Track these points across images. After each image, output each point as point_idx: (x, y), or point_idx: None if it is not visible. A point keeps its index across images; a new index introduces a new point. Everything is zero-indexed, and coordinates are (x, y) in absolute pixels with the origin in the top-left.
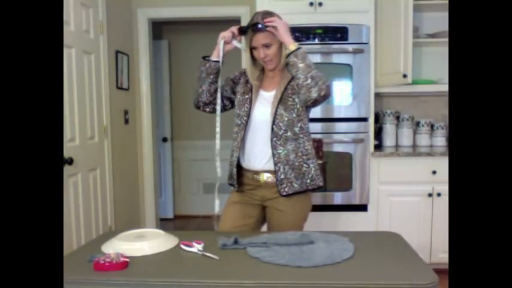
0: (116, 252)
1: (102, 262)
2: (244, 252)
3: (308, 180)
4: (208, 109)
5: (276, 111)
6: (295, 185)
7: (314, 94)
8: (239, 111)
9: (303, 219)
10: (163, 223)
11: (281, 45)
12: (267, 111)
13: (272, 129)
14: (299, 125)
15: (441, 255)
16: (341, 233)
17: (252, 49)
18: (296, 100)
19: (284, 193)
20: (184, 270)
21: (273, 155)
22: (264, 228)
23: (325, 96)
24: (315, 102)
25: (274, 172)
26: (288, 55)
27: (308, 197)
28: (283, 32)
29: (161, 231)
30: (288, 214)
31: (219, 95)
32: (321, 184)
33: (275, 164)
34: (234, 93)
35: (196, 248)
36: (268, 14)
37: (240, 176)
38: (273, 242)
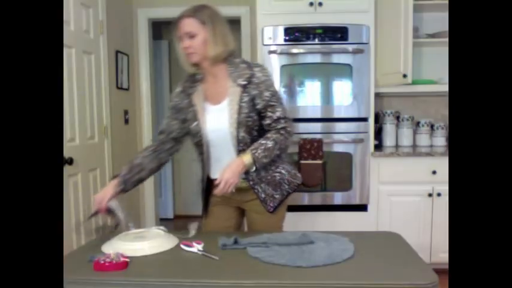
0: (116, 252)
1: (102, 262)
2: (244, 252)
3: (286, 186)
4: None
5: (238, 134)
6: (277, 196)
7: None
8: (195, 139)
9: (282, 219)
10: (163, 223)
11: (212, 36)
12: (222, 127)
13: (237, 153)
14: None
15: (441, 255)
16: (341, 233)
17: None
18: (254, 117)
19: (271, 209)
20: (184, 270)
21: (247, 179)
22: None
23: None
24: None
25: (243, 178)
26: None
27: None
28: (234, 176)
29: (161, 232)
30: (267, 215)
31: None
32: (299, 182)
33: (252, 187)
34: (183, 122)
35: (196, 248)
36: (201, 6)
37: (211, 189)
38: (273, 242)
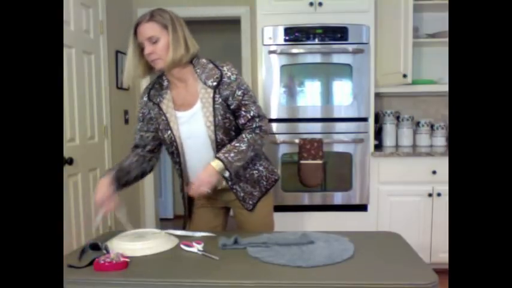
0: (116, 252)
1: (102, 262)
2: (244, 252)
3: (264, 183)
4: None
5: (216, 137)
6: (255, 193)
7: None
8: (170, 149)
9: (269, 214)
10: (163, 223)
11: (175, 39)
12: (197, 132)
13: (214, 154)
14: None
15: (441, 255)
16: (341, 233)
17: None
18: (230, 118)
19: (250, 207)
20: (184, 270)
21: (226, 180)
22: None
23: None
24: None
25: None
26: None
27: (268, 192)
28: (205, 181)
29: (161, 231)
30: (254, 213)
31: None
32: (277, 177)
33: (231, 188)
34: (156, 132)
35: (196, 248)
36: (160, 10)
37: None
38: (273, 242)
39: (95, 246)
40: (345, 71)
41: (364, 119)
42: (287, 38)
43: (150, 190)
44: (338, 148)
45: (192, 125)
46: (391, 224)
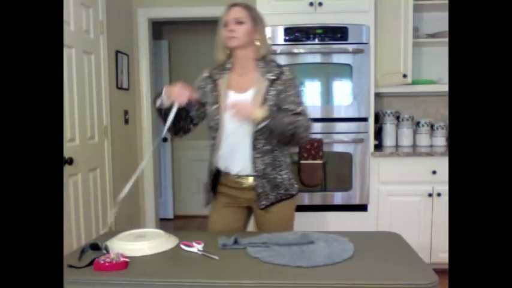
0: (116, 252)
1: (102, 262)
2: (244, 252)
3: (282, 191)
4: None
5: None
6: (271, 197)
7: (293, 144)
8: (212, 123)
9: (290, 219)
10: (163, 223)
11: (254, 31)
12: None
13: (253, 142)
14: None
15: (441, 255)
16: (341, 233)
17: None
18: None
19: (262, 206)
20: (184, 270)
21: (253, 169)
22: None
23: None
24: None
25: (251, 175)
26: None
27: (291, 198)
28: (245, 110)
29: (161, 231)
30: (275, 215)
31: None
32: (294, 193)
33: (254, 179)
34: (202, 105)
35: (196, 248)
36: (253, 7)
37: (220, 179)
38: (273, 242)
39: (95, 246)
40: (345, 71)
41: (364, 119)
42: (287, 38)
43: (150, 190)
44: (338, 148)
45: None
46: (391, 224)
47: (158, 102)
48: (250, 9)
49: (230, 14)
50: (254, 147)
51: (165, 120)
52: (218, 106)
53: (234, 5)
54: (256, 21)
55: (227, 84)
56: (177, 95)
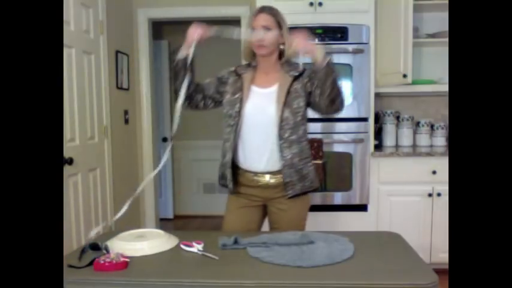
0: (116, 252)
1: (102, 262)
2: (244, 252)
3: (308, 183)
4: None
5: (282, 114)
6: (297, 187)
7: (337, 105)
8: (230, 111)
9: (303, 218)
10: (163, 223)
11: (280, 36)
12: (267, 109)
13: (279, 132)
14: (303, 128)
15: (441, 255)
16: (341, 233)
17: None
18: (301, 104)
19: (290, 195)
20: (184, 270)
21: (280, 158)
22: (265, 226)
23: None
24: (331, 112)
25: (275, 173)
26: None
27: (308, 196)
28: (310, 48)
29: (161, 231)
30: (289, 213)
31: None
32: (317, 185)
33: (282, 168)
34: (218, 92)
35: (196, 248)
36: (277, 10)
37: (235, 177)
38: (273, 242)
39: (95, 246)
40: (345, 71)
41: (364, 119)
42: None
43: (150, 190)
44: (338, 148)
45: (262, 101)
46: (391, 224)
47: (176, 61)
48: (276, 15)
49: (258, 20)
50: (280, 137)
51: (176, 78)
52: (241, 95)
53: (261, 10)
54: (282, 26)
55: (251, 80)
56: (192, 32)
